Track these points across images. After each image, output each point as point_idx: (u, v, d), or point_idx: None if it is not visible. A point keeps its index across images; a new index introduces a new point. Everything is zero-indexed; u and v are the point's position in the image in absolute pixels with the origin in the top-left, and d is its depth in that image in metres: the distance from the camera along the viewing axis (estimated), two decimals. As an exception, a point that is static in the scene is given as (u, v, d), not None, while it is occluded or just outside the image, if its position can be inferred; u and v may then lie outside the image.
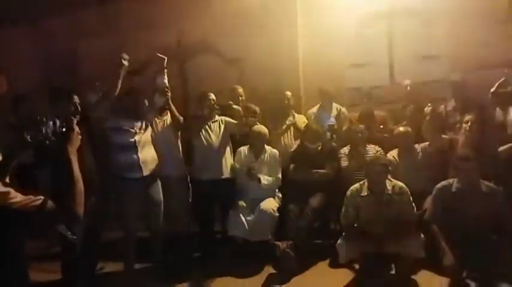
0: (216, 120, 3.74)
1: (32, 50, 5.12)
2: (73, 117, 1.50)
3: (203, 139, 3.66)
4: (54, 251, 3.46)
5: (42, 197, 1.33)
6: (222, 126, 3.73)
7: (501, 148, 3.12)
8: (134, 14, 4.86)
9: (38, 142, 1.45)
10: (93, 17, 4.95)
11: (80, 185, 1.39)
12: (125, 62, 3.04)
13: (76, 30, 4.97)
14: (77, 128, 1.46)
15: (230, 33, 4.63)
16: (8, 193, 1.28)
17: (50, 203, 1.33)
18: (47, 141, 1.45)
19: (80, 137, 1.47)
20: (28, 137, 1.48)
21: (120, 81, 3.04)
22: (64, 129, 1.45)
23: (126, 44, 4.48)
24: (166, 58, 3.37)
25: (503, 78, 3.38)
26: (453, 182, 2.91)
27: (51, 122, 1.50)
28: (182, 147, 3.75)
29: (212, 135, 3.68)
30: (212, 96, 3.71)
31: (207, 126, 3.70)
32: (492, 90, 3.34)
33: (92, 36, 4.80)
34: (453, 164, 2.99)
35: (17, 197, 1.29)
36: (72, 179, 1.38)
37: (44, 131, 1.44)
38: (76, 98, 2.91)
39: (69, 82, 4.19)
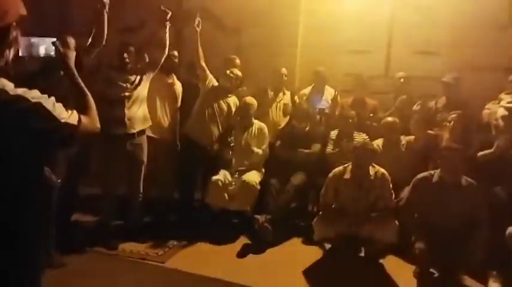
0: (231, 97, 3.79)
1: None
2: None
3: (214, 107, 3.69)
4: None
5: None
6: (234, 107, 3.79)
7: (480, 153, 3.20)
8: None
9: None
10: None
11: (90, 97, 1.33)
12: (106, 0, 2.92)
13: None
14: (71, 44, 1.43)
15: (231, 2, 4.54)
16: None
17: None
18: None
19: (74, 52, 1.43)
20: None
21: (105, 23, 2.93)
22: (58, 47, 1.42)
23: (123, 2, 4.34)
24: (170, 12, 3.29)
25: None
26: (434, 173, 2.99)
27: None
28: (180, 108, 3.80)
29: (225, 109, 3.74)
30: (237, 72, 3.75)
31: (224, 99, 3.74)
32: None
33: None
34: (438, 155, 3.06)
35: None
36: (79, 89, 1.33)
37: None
38: (72, 41, 2.81)
39: (61, 29, 4.05)
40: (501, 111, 3.19)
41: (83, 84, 1.36)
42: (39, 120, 1.10)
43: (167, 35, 3.33)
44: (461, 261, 2.85)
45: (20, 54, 1.46)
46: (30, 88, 1.12)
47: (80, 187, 3.33)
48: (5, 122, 1.06)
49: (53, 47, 1.47)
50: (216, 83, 3.74)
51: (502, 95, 3.49)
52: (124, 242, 3.25)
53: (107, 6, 2.93)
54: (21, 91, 1.09)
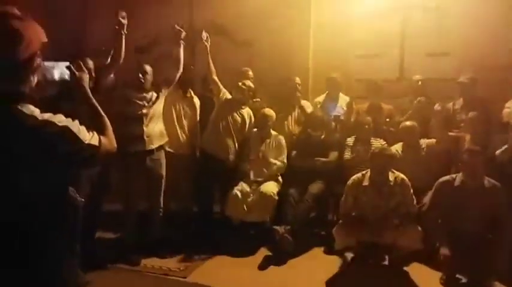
0: (244, 108, 3.83)
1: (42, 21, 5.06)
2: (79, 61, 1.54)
3: (228, 120, 3.72)
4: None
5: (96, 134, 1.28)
6: (248, 119, 3.83)
7: (498, 151, 3.11)
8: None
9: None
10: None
11: (105, 118, 1.38)
12: (123, 21, 3.02)
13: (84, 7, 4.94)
14: (85, 67, 1.50)
15: (241, 15, 4.60)
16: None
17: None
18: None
19: (88, 75, 1.49)
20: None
21: (123, 42, 3.03)
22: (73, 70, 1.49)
23: (135, 22, 4.47)
24: (184, 31, 3.37)
25: None
26: (456, 176, 2.93)
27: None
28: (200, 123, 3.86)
29: (239, 121, 3.77)
30: (249, 83, 3.80)
31: (237, 111, 3.78)
32: None
33: (100, 16, 4.74)
34: (460, 158, 2.99)
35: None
36: (95, 111, 1.38)
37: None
38: (90, 63, 2.90)
39: (79, 52, 4.19)
40: None
41: (98, 106, 1.41)
42: (66, 143, 1.16)
43: (181, 53, 3.39)
44: (488, 266, 2.76)
45: (40, 80, 1.53)
46: (53, 113, 1.18)
47: (102, 204, 3.40)
48: (34, 146, 1.12)
49: (68, 71, 1.53)
50: (229, 96, 3.78)
51: None
52: (146, 258, 3.28)
53: (125, 27, 3.02)
54: (48, 116, 1.15)
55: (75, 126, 1.20)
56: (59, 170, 1.19)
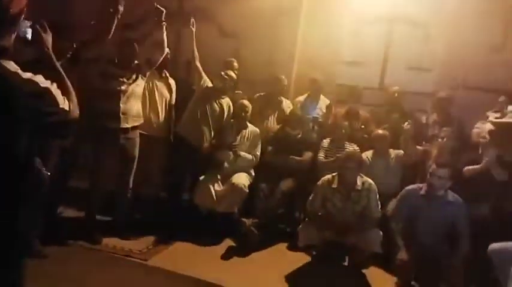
0: (224, 98, 3.81)
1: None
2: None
3: (206, 108, 3.69)
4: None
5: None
6: (226, 108, 3.80)
7: (466, 168, 3.26)
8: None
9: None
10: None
11: (69, 84, 1.34)
12: (121, 8, 2.97)
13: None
14: (47, 29, 1.44)
15: (231, 6, 4.58)
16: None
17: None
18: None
19: (50, 36, 1.43)
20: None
21: (114, 25, 2.97)
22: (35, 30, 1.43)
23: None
24: (164, 10, 3.28)
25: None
26: (422, 186, 3.03)
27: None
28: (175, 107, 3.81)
29: (217, 110, 3.75)
30: (232, 73, 3.78)
31: (217, 99, 3.76)
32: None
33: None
34: (426, 173, 3.09)
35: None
36: (59, 75, 1.34)
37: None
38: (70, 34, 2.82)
39: (63, 21, 4.05)
40: (488, 126, 3.26)
41: (61, 70, 1.37)
42: (46, 104, 1.15)
43: (164, 34, 3.31)
44: (442, 276, 2.88)
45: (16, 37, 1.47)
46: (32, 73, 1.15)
47: (69, 180, 3.32)
48: (16, 104, 1.09)
49: (30, 30, 1.45)
50: (210, 84, 3.76)
51: (489, 113, 3.57)
52: (108, 237, 3.22)
53: (120, 13, 2.97)
54: (30, 75, 1.12)
55: (54, 88, 1.19)
56: (32, 134, 1.17)
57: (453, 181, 2.99)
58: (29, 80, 1.12)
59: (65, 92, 1.29)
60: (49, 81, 1.19)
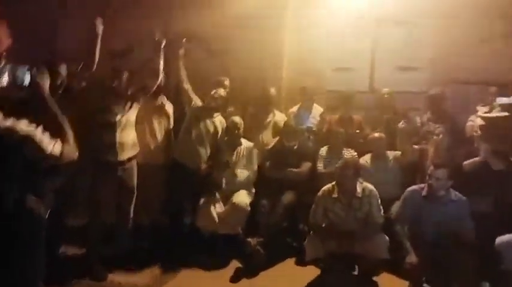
0: (216, 116, 3.80)
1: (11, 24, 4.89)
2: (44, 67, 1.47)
3: (199, 128, 3.69)
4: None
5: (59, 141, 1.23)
6: (220, 127, 3.79)
7: (466, 162, 3.24)
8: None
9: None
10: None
11: (67, 126, 1.33)
12: (98, 28, 2.93)
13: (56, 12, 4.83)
14: (46, 74, 1.44)
15: (217, 25, 4.61)
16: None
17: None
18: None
19: (49, 80, 1.43)
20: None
21: (97, 51, 2.95)
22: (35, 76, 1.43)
23: (112, 27, 4.40)
24: (164, 41, 3.30)
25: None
26: (424, 186, 3.00)
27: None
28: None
29: (211, 129, 3.73)
30: (222, 92, 3.76)
31: (209, 119, 3.74)
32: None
33: (73, 19, 4.65)
34: (425, 172, 3.07)
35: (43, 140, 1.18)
36: (56, 118, 1.33)
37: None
38: (63, 68, 2.81)
39: (49, 55, 4.07)
40: (479, 121, 3.25)
41: (59, 113, 1.37)
42: (29, 151, 1.13)
43: (161, 63, 3.32)
44: (453, 274, 2.83)
45: (8, 82, 1.48)
46: (18, 117, 1.14)
47: (67, 219, 3.29)
48: None
49: (28, 75, 1.47)
50: (200, 104, 3.75)
51: (479, 107, 3.56)
52: (113, 272, 3.18)
53: (99, 35, 2.96)
54: (10, 123, 1.11)
55: (38, 134, 1.17)
56: (20, 179, 1.16)
57: (453, 178, 2.97)
58: (8, 129, 1.11)
59: (60, 134, 1.29)
60: (33, 126, 1.18)
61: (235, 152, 3.76)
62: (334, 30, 4.52)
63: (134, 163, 3.37)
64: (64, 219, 3.23)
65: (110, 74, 3.25)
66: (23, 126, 1.16)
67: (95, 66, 2.99)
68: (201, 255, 3.45)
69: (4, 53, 1.21)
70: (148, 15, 4.64)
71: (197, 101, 3.73)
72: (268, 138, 4.09)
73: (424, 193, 2.99)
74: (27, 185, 1.24)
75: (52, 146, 1.22)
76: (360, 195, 3.11)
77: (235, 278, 3.22)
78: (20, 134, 1.13)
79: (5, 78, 1.27)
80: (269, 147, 4.00)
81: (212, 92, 3.75)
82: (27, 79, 1.37)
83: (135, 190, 3.38)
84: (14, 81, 1.40)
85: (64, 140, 1.29)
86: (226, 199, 3.60)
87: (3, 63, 1.22)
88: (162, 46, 3.31)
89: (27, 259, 1.26)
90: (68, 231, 3.33)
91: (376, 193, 3.14)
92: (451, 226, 2.88)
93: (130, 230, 3.42)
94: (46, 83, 1.43)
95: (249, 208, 3.54)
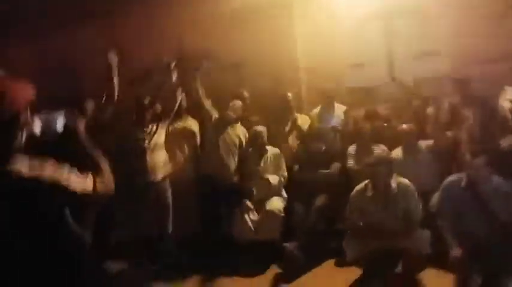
0: (238, 127, 3.88)
1: (31, 62, 5.11)
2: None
3: (224, 140, 3.76)
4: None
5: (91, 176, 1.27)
6: (243, 137, 3.86)
7: (503, 141, 3.09)
8: (131, 28, 4.91)
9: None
10: (92, 31, 4.97)
11: (102, 161, 1.37)
12: (113, 62, 3.08)
13: (74, 46, 5.03)
14: (79, 116, 1.49)
15: (228, 38, 4.66)
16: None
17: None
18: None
19: (83, 122, 1.48)
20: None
21: (116, 80, 3.09)
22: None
23: (128, 56, 4.53)
24: (174, 62, 3.43)
25: None
26: (463, 176, 2.87)
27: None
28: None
29: (235, 139, 3.80)
30: (239, 103, 3.85)
31: (230, 128, 3.81)
32: None
33: (91, 51, 4.81)
34: (461, 161, 2.96)
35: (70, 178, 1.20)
36: (91, 156, 1.36)
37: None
38: (90, 105, 2.97)
39: (71, 93, 4.25)
40: (507, 105, 3.10)
41: (93, 151, 1.42)
42: (58, 196, 1.18)
43: (175, 84, 3.44)
44: (503, 265, 2.71)
45: (40, 129, 1.53)
46: (47, 155, 1.19)
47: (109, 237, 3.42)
48: (24, 204, 1.14)
49: (62, 119, 1.53)
50: (217, 116, 3.82)
51: (506, 87, 3.40)
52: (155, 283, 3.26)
53: (115, 68, 3.09)
54: (37, 165, 1.15)
55: (64, 175, 1.20)
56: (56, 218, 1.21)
57: (493, 163, 2.83)
58: (34, 178, 1.14)
59: (97, 171, 1.33)
60: (60, 168, 1.20)
61: (262, 160, 3.78)
62: (346, 26, 4.46)
63: (167, 181, 3.49)
64: (108, 237, 3.35)
65: (134, 105, 3.38)
66: (50, 170, 1.19)
67: (116, 96, 3.11)
68: (239, 263, 3.48)
69: (24, 109, 1.24)
70: (162, 38, 4.76)
71: (217, 115, 3.80)
72: (293, 142, 4.09)
73: (463, 183, 2.86)
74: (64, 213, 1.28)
75: (83, 183, 1.25)
76: (395, 191, 3.03)
77: (274, 284, 3.23)
78: (47, 181, 1.16)
79: (37, 127, 1.32)
80: (295, 151, 4.00)
81: (231, 104, 3.80)
82: (59, 124, 1.42)
83: (171, 207, 3.48)
84: (46, 129, 1.46)
85: (99, 175, 1.33)
86: (260, 206, 3.62)
87: (24, 118, 1.25)
88: (172, 67, 3.41)
89: (75, 278, 1.32)
90: (113, 248, 3.44)
91: (413, 187, 3.05)
92: (495, 215, 2.75)
93: (171, 245, 3.50)
94: (81, 125, 1.48)
95: (282, 214, 3.55)
